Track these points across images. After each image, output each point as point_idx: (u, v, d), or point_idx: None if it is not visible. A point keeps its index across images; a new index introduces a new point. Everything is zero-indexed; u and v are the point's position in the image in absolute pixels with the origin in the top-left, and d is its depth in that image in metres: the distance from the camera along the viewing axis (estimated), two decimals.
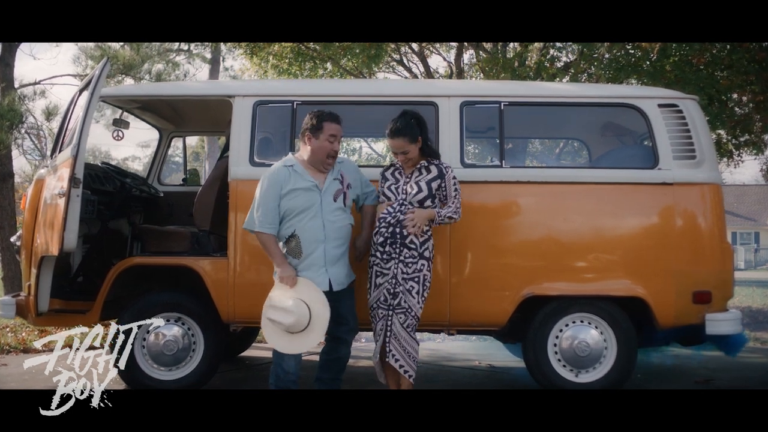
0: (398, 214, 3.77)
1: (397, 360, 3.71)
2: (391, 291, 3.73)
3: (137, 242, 4.97)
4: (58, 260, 4.12)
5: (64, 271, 4.68)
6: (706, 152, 4.29)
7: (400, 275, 3.71)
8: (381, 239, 3.76)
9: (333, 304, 3.64)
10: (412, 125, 3.80)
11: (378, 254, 3.78)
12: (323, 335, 3.66)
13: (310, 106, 4.42)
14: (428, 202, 3.78)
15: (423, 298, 3.75)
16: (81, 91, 4.39)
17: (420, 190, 3.78)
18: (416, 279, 3.72)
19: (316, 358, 3.98)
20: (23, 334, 6.71)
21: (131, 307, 4.28)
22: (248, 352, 6.02)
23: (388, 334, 3.71)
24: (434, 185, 3.79)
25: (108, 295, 4.29)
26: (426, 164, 3.84)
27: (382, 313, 3.75)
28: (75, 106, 4.39)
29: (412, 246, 3.73)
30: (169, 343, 4.27)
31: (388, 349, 3.71)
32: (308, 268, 3.69)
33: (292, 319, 3.55)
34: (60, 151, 4.32)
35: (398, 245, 3.72)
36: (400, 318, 3.70)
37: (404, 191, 3.80)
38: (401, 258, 3.72)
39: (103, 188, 4.76)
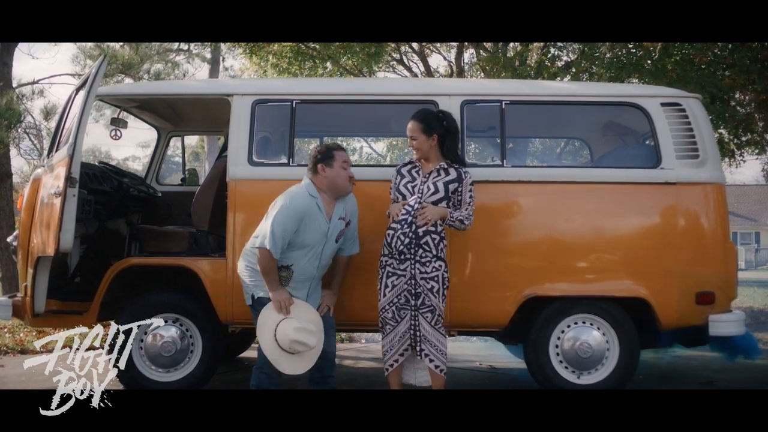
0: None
1: (432, 360, 3.72)
2: (413, 292, 3.71)
3: (135, 242, 4.93)
4: (55, 260, 4.08)
5: (62, 272, 4.63)
6: (709, 151, 4.24)
7: (419, 275, 3.70)
8: (402, 239, 3.71)
9: None
10: (432, 119, 3.81)
11: (394, 254, 3.74)
12: (315, 361, 3.70)
13: (310, 105, 4.39)
14: (443, 204, 3.75)
15: (444, 297, 3.74)
16: (78, 89, 4.34)
17: (436, 191, 3.75)
18: (436, 278, 3.71)
19: None
20: (21, 335, 6.66)
21: (129, 307, 4.23)
22: (247, 353, 5.98)
23: (418, 335, 3.71)
24: (451, 187, 3.77)
25: (105, 296, 4.25)
26: (446, 166, 3.82)
27: (403, 313, 3.74)
28: (72, 105, 4.34)
29: (427, 248, 3.71)
30: (166, 344, 4.22)
31: (419, 348, 3.71)
32: (291, 293, 3.75)
33: (315, 339, 3.62)
34: (56, 151, 4.28)
35: (414, 245, 3.70)
36: (427, 317, 3.70)
37: (420, 191, 3.78)
38: (417, 258, 3.70)
39: (101, 188, 4.71)
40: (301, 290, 3.78)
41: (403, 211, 3.73)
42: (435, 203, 3.74)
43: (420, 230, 3.70)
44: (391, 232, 3.76)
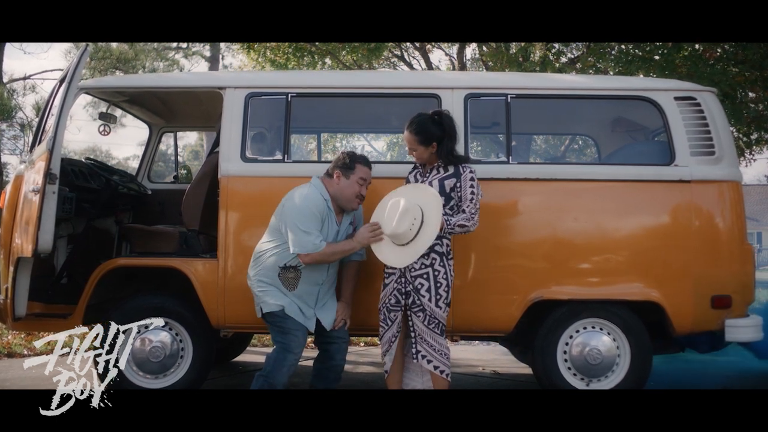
0: None
1: (429, 361, 3.51)
2: (402, 291, 3.53)
3: (126, 243, 4.73)
4: (40, 261, 3.89)
5: (47, 273, 4.44)
6: (726, 148, 4.04)
7: (408, 273, 3.51)
8: None
9: (322, 331, 3.65)
10: (429, 127, 3.55)
11: None
12: (438, 226, 3.42)
13: (306, 99, 4.19)
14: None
15: (438, 296, 3.48)
16: (61, 82, 4.15)
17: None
18: (425, 276, 3.48)
19: (311, 363, 3.79)
20: (9, 338, 6.46)
21: (114, 311, 4.02)
22: (242, 357, 5.79)
23: (413, 335, 3.53)
24: (448, 184, 3.54)
25: (92, 298, 4.05)
26: (444, 163, 3.60)
27: (394, 316, 3.56)
28: (55, 98, 4.14)
29: None
30: (155, 349, 4.01)
31: (416, 350, 3.52)
32: (300, 302, 3.60)
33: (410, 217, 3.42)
34: (38, 146, 4.09)
35: None
36: (419, 316, 3.49)
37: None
38: None
39: (88, 185, 4.53)
40: (309, 299, 3.61)
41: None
42: None
43: None
44: None
